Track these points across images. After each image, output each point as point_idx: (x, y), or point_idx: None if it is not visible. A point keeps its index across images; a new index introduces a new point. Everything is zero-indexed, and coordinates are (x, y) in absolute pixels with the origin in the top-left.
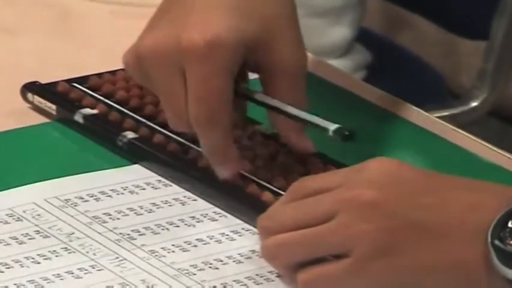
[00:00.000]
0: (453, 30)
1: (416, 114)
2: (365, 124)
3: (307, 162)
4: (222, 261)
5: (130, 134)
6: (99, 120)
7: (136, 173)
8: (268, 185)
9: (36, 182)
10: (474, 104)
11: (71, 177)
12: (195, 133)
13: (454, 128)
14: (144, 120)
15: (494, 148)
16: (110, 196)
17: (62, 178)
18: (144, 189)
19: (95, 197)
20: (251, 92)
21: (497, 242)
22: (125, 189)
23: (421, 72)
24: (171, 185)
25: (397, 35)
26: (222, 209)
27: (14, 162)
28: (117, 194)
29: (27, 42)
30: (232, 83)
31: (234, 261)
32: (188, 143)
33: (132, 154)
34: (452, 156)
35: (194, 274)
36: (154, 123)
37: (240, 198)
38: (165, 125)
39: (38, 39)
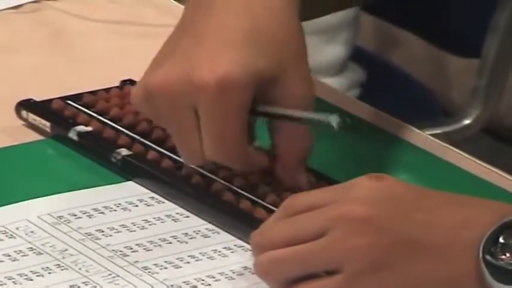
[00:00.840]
0: (445, 48)
1: (409, 132)
2: (358, 142)
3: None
4: (214, 277)
5: (124, 151)
6: (93, 137)
7: (129, 190)
8: (261, 202)
9: (30, 199)
10: (467, 121)
11: (64, 194)
12: (211, 164)
13: (447, 145)
14: (138, 137)
15: (487, 166)
16: (102, 213)
17: (55, 195)
18: (136, 206)
19: (88, 214)
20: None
21: (488, 257)
22: (117, 206)
23: (413, 90)
24: (163, 202)
25: (390, 53)
26: (215, 226)
27: (8, 179)
28: (110, 210)
29: (23, 59)
30: (247, 118)
31: (226, 277)
32: (182, 160)
33: (126, 171)
34: (445, 173)
35: None
36: (148, 140)
37: (233, 215)
38: (159, 142)
39: (33, 57)
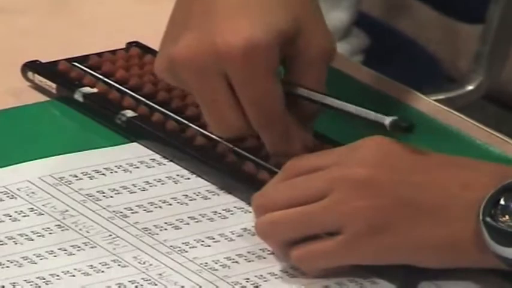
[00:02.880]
0: (451, 14)
1: (412, 97)
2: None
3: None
4: (214, 238)
5: (129, 113)
6: (98, 99)
7: (130, 151)
8: (264, 164)
9: (35, 159)
10: (470, 87)
11: (65, 155)
12: (241, 136)
13: (450, 110)
14: (143, 98)
15: (490, 130)
16: (103, 174)
17: (56, 156)
18: (137, 167)
19: (89, 175)
20: (292, 86)
21: (488, 219)
22: (118, 168)
23: (417, 56)
24: (164, 164)
25: (397, 19)
26: (216, 188)
27: (12, 140)
28: (111, 172)
29: (27, 21)
30: (279, 80)
31: (225, 238)
32: (186, 122)
33: (131, 132)
34: (448, 138)
35: (186, 251)
36: (153, 102)
37: (237, 177)
38: (163, 104)
39: (37, 19)
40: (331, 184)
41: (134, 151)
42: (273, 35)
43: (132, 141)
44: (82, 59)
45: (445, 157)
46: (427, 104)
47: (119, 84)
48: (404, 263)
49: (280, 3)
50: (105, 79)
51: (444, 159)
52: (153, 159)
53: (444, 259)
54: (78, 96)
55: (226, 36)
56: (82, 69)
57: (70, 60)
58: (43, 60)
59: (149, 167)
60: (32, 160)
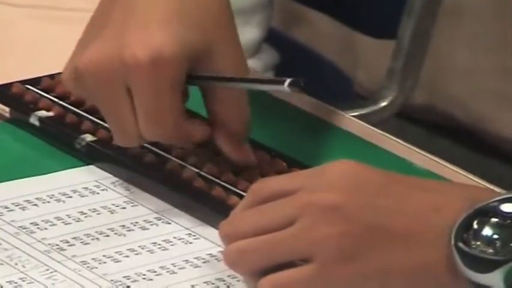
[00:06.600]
0: (358, 29)
1: (326, 112)
2: (281, 124)
3: (271, 164)
4: (155, 271)
5: (88, 137)
6: (55, 123)
7: (62, 180)
8: (233, 188)
9: None
10: (383, 104)
11: None
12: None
13: (371, 127)
14: (101, 122)
15: (409, 145)
16: (36, 205)
17: None
18: (70, 197)
19: (20, 206)
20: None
21: (461, 245)
22: (51, 198)
23: (328, 72)
24: (98, 193)
25: (295, 31)
26: (156, 217)
27: None
28: (43, 202)
29: None
30: (181, 96)
31: (167, 271)
32: (149, 146)
33: (91, 157)
34: (370, 155)
35: (128, 286)
36: None
37: (206, 202)
38: None
39: None
40: (299, 210)
41: (64, 180)
42: (182, 51)
43: (88, 164)
44: (34, 82)
45: (414, 180)
46: (347, 121)
47: (75, 107)
48: None
49: (196, 21)
50: (61, 102)
51: (413, 182)
52: (86, 188)
53: (418, 285)
54: (33, 120)
55: (134, 48)
56: (36, 92)
57: (22, 82)
58: None
59: (82, 197)
60: None
